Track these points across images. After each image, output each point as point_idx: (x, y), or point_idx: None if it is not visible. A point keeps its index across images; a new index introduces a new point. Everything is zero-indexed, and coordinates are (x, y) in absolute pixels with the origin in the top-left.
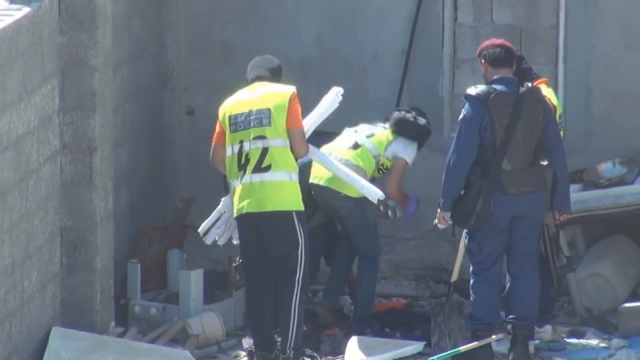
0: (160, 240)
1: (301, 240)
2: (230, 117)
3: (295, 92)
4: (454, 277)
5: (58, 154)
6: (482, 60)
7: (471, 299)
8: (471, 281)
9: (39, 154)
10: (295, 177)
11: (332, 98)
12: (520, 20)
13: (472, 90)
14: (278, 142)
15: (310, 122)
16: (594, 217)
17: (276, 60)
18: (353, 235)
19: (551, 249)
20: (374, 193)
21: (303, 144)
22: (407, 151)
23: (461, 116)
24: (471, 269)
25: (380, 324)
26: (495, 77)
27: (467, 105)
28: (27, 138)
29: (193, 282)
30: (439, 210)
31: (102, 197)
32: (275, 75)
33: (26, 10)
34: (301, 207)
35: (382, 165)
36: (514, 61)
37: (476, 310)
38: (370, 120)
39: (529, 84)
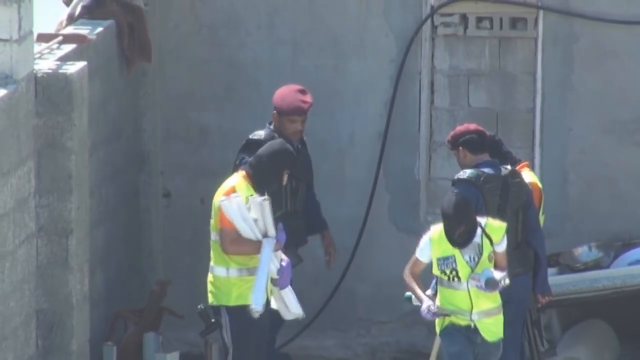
0: (136, 323)
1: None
2: None
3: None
4: None
5: (34, 236)
6: (460, 148)
7: None
8: None
9: (15, 236)
10: (233, 272)
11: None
12: (496, 104)
13: (463, 175)
14: (213, 236)
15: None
16: (570, 301)
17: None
18: None
19: (534, 333)
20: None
21: (224, 243)
22: None
23: None
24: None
25: None
26: (480, 161)
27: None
28: (3, 220)
29: None
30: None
31: (78, 279)
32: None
33: (2, 92)
34: (233, 302)
35: None
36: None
37: None
38: (346, 203)
39: (508, 167)
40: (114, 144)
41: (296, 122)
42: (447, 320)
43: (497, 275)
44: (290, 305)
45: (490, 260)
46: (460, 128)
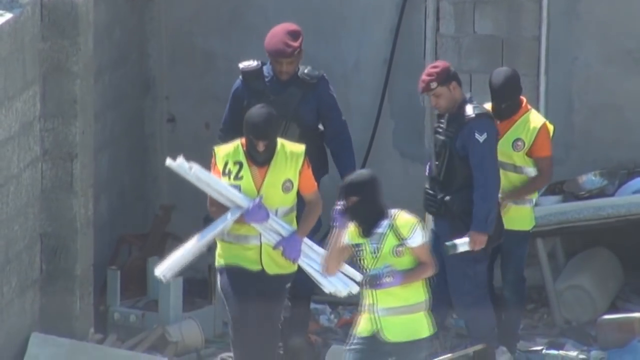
0: (140, 248)
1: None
2: None
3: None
4: None
5: (39, 160)
6: (454, 82)
7: (478, 320)
8: (476, 305)
9: (20, 160)
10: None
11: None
12: (502, 31)
13: (481, 109)
14: None
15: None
16: (574, 229)
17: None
18: None
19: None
20: None
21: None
22: None
23: (485, 137)
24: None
25: None
26: (467, 95)
27: (486, 124)
28: (8, 144)
29: (172, 289)
30: (476, 234)
31: (82, 203)
32: None
33: (8, 16)
34: (216, 263)
35: None
36: None
37: (483, 329)
38: (350, 129)
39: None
40: (119, 69)
41: (280, 64)
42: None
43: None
44: (317, 279)
45: (395, 254)
46: (439, 64)
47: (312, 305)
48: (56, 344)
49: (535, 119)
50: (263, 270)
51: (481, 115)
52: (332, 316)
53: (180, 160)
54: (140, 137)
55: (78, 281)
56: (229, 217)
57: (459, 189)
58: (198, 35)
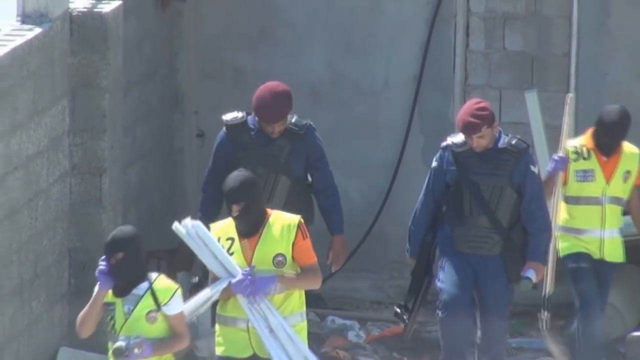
0: (169, 262)
1: None
2: None
3: None
4: (549, 289)
5: (67, 174)
6: (495, 122)
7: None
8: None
9: (49, 175)
10: None
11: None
12: (532, 48)
13: (517, 139)
14: None
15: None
16: None
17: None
18: None
19: None
20: None
21: None
22: None
23: (537, 168)
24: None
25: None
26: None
27: (532, 156)
28: (37, 158)
29: None
30: (539, 265)
31: (111, 218)
32: None
33: (37, 30)
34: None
35: None
36: None
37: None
38: (380, 145)
39: None
40: (148, 83)
41: (272, 126)
42: None
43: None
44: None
45: (148, 320)
46: (484, 104)
47: (340, 321)
48: (84, 359)
49: (630, 146)
50: (255, 354)
51: (527, 147)
52: (361, 332)
53: (187, 221)
54: (169, 152)
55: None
56: (218, 286)
57: (514, 223)
58: (227, 50)
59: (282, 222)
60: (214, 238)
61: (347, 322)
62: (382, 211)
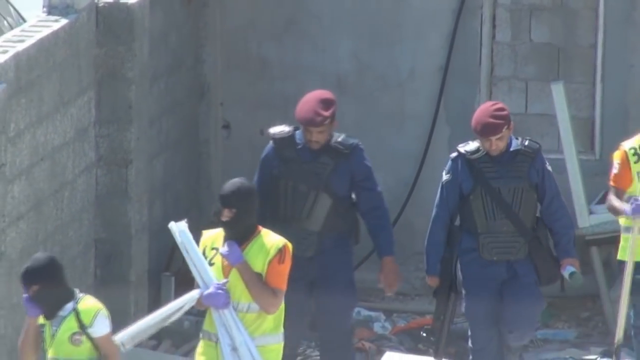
0: None
1: None
2: None
3: None
4: (619, 335)
5: (93, 165)
6: (512, 123)
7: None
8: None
9: (75, 166)
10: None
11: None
12: (558, 39)
13: (528, 139)
14: None
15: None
16: None
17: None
18: None
19: None
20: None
21: None
22: None
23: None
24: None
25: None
26: None
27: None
28: (63, 149)
29: None
30: (574, 260)
31: (137, 209)
32: None
33: (63, 21)
34: None
35: None
36: None
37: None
38: (406, 136)
39: None
40: (174, 75)
41: (310, 133)
42: None
43: None
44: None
45: (73, 342)
46: (501, 105)
47: (366, 313)
48: None
49: None
50: None
51: (540, 147)
52: (387, 323)
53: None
54: (195, 143)
55: (132, 287)
56: (192, 295)
57: (535, 223)
58: (253, 41)
59: (267, 241)
60: (197, 245)
61: (373, 313)
62: (408, 202)
